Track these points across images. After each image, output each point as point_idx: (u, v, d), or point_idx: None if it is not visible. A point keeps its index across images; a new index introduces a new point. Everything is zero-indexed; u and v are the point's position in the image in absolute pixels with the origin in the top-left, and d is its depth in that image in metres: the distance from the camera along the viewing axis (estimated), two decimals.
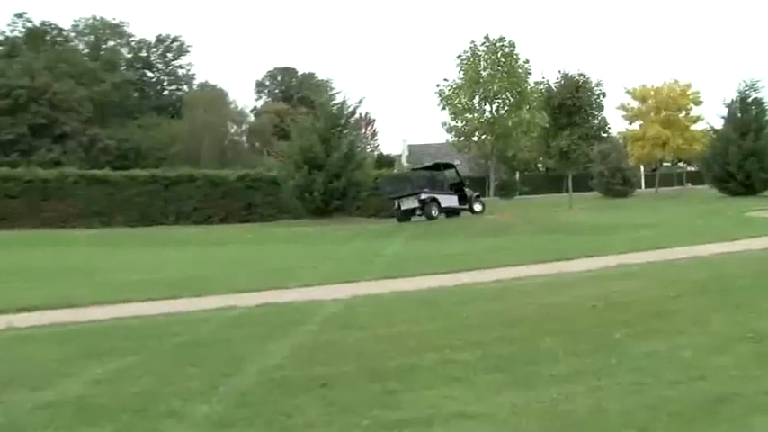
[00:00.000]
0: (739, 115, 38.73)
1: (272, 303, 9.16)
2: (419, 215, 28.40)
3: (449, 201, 29.10)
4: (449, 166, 32.12)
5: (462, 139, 28.33)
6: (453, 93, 27.75)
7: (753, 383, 4.74)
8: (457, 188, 30.25)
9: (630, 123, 50.70)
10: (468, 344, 6.20)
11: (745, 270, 9.94)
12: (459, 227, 23.36)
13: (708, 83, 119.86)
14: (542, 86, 35.55)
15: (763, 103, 39.97)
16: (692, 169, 68.42)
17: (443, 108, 27.91)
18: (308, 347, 6.45)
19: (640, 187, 58.02)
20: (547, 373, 5.21)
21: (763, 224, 19.88)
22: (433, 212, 28.14)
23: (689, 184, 62.54)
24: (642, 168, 60.21)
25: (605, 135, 42.40)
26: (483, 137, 28.67)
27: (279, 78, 78.87)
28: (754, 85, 39.20)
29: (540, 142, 37.25)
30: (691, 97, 48.82)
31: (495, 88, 27.15)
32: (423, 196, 28.60)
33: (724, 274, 9.67)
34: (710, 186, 42.02)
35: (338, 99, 32.52)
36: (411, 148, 68.08)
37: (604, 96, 41.68)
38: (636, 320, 6.75)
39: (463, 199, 29.84)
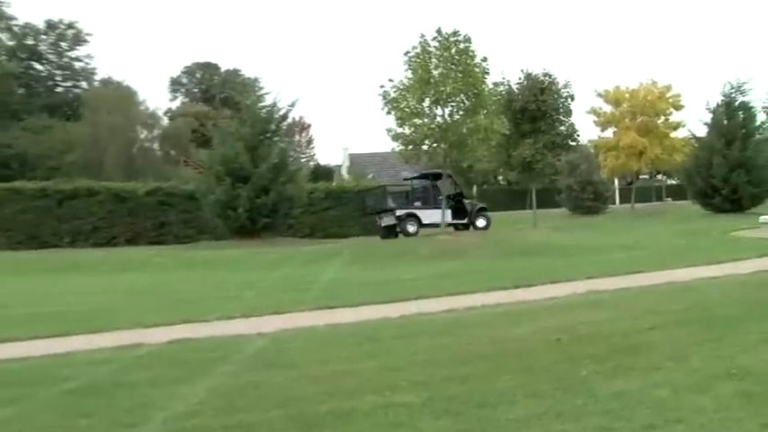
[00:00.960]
0: (725, 121, 39.93)
1: (187, 339, 9.07)
2: (400, 231, 29.10)
3: (435, 216, 29.39)
4: (440, 176, 32.53)
5: (410, 147, 28.47)
6: (400, 95, 27.88)
7: (736, 427, 4.86)
8: (456, 200, 30.67)
9: (602, 130, 51.88)
10: (414, 384, 6.22)
11: (730, 297, 10.24)
12: (406, 249, 23.48)
13: (690, 85, 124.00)
14: (502, 88, 36.06)
15: (751, 107, 41.34)
16: (673, 182, 70.53)
17: (388, 112, 28.01)
18: (227, 390, 6.38)
19: (614, 203, 59.45)
20: (503, 417, 5.25)
21: (751, 245, 20.54)
22: (410, 229, 28.81)
23: (669, 199, 64.39)
24: (616, 181, 61.76)
25: (574, 143, 43.18)
26: (434, 145, 28.86)
27: (198, 75, 78.40)
28: (740, 87, 40.50)
29: (499, 151, 37.77)
30: (670, 101, 50.18)
31: (447, 89, 27.34)
32: (398, 212, 29.14)
33: (707, 301, 9.94)
34: (693, 202, 43.26)
35: (268, 101, 32.58)
36: (353, 157, 68.38)
37: (573, 100, 42.56)
38: (606, 356, 6.88)
39: (461, 212, 30.25)
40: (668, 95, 50.20)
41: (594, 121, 51.04)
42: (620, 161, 49.27)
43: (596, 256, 19.68)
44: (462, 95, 28.02)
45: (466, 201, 30.88)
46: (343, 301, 12.24)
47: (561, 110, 39.84)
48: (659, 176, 72.71)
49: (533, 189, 40.80)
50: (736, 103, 40.32)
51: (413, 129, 28.15)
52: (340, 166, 68.60)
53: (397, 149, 29.17)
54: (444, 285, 13.93)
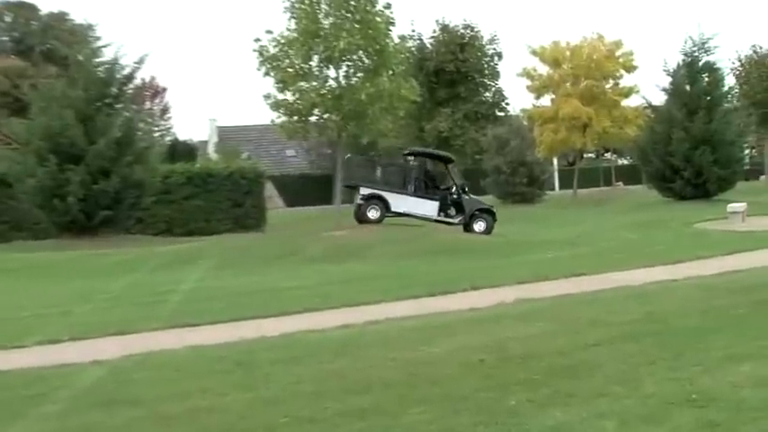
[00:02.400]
0: (687, 87, 41.34)
1: None
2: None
3: (412, 205, 28.70)
4: (445, 159, 32.09)
5: (295, 119, 28.37)
6: (281, 51, 27.74)
7: None
8: (456, 192, 29.90)
9: (538, 97, 52.99)
10: (298, 421, 6.24)
11: (690, 305, 10.68)
12: (292, 249, 23.44)
13: (644, 41, 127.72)
14: (412, 43, 36.46)
15: (718, 69, 42.85)
16: (625, 162, 72.67)
17: (267, 74, 27.84)
18: None
19: (553, 188, 60.84)
20: None
21: (718, 240, 21.39)
22: (371, 215, 28.23)
23: (619, 183, 66.24)
24: (555, 162, 63.20)
25: (502, 114, 44.04)
26: (325, 116, 28.86)
27: (8, 19, 75.97)
28: (704, 44, 41.89)
29: (409, 124, 38.22)
30: (621, 61, 51.62)
31: (341, 45, 27.35)
32: (363, 191, 28.88)
33: (663, 311, 10.33)
34: (648, 187, 44.69)
35: (107, 55, 31.76)
36: (222, 131, 67.80)
37: (500, 59, 43.52)
38: (540, 380, 7.04)
39: (456, 209, 29.42)
40: (618, 54, 51.62)
41: (528, 86, 51.99)
42: (560, 136, 50.36)
43: (530, 255, 20.08)
44: (361, 52, 28.12)
45: (466, 197, 30.04)
46: (208, 316, 12.13)
47: (486, 71, 40.59)
48: (608, 155, 74.80)
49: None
50: (700, 64, 41.70)
51: (298, 95, 28.07)
52: (206, 143, 67.92)
53: (279, 121, 29.03)
54: (339, 294, 13.99)
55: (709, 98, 40.83)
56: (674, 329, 9.04)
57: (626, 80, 52.07)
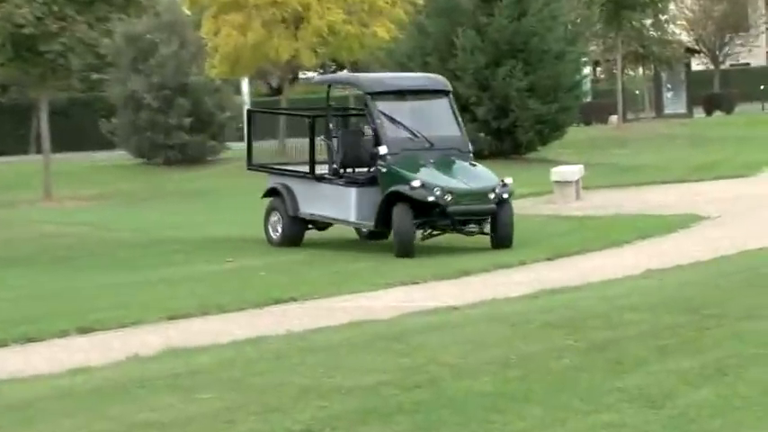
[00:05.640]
0: None
1: None
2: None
3: (323, 201, 25.17)
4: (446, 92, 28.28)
5: None
6: None
7: None
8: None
9: None
10: None
11: (482, 354, 10.98)
12: None
13: None
14: None
15: None
16: None
17: None
18: None
19: (241, 138, 61.37)
20: None
21: (531, 234, 22.16)
22: (272, 233, 26.34)
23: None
24: (246, 87, 63.47)
25: None
26: None
27: None
28: None
29: None
30: None
31: None
32: (272, 181, 27.00)
33: (433, 366, 10.45)
34: None
35: None
36: None
37: None
38: None
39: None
40: None
41: None
42: (253, 37, 50.63)
43: (194, 266, 20.25)
44: None
45: (383, 168, 24.67)
46: None
47: None
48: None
49: (44, 107, 40.82)
50: None
51: None
52: None
53: None
54: None
55: None
56: (450, 399, 9.13)
57: None
